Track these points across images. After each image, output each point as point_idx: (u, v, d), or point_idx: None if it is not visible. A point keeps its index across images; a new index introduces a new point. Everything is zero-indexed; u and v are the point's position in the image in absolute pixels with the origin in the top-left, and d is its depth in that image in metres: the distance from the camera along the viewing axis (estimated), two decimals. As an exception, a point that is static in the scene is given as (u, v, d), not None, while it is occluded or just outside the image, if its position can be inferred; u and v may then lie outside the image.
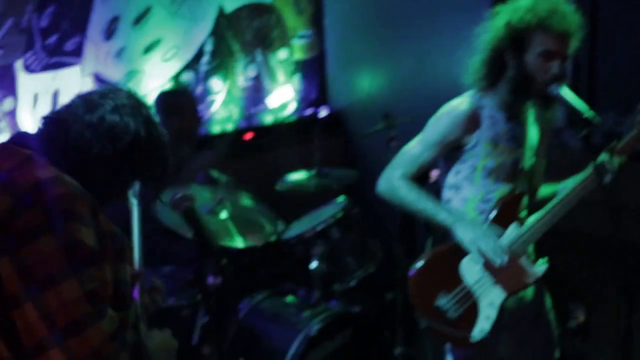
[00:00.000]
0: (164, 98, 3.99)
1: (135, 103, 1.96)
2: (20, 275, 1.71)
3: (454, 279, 2.78)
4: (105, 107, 1.88)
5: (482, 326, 2.74)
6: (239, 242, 3.68)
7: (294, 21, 5.06)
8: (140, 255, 2.20)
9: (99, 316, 1.74)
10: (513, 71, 2.67)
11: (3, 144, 2.00)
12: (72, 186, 1.81)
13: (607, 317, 3.67)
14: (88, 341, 1.71)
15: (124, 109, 1.90)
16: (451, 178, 2.89)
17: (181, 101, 4.06)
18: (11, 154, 1.88)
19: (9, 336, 1.73)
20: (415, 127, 2.92)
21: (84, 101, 1.94)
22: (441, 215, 2.72)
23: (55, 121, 1.94)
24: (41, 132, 1.95)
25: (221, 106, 4.75)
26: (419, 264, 2.82)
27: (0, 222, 1.72)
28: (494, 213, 2.76)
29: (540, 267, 2.81)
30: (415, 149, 2.83)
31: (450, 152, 2.85)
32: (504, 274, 2.74)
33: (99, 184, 1.93)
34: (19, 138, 1.98)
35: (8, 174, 1.80)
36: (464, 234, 2.70)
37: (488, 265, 2.70)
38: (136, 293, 2.05)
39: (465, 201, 2.84)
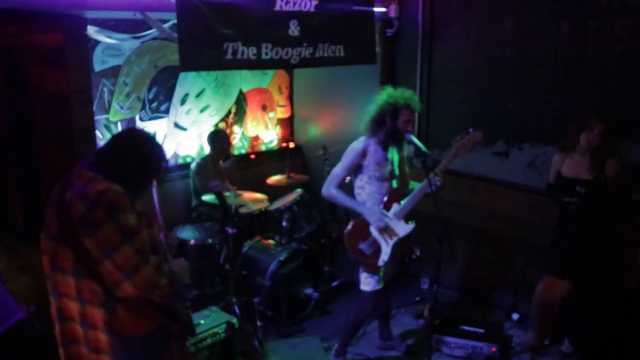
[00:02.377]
0: (213, 134, 6.02)
1: (146, 138, 2.65)
2: (98, 246, 2.36)
3: (367, 234, 4.01)
4: (133, 141, 2.60)
5: (383, 258, 4.02)
6: (244, 210, 5.40)
7: (278, 97, 7.20)
8: (160, 215, 2.80)
9: (145, 261, 2.38)
10: (389, 127, 3.95)
11: (77, 169, 2.54)
12: (118, 191, 2.41)
13: (430, 253, 4.84)
14: (143, 275, 2.37)
15: (140, 141, 2.60)
16: (358, 183, 4.14)
17: (221, 135, 6.06)
18: (82, 175, 2.48)
19: (98, 279, 2.41)
20: (339, 153, 4.26)
21: (119, 140, 2.63)
22: (357, 208, 4.04)
23: (104, 152, 2.60)
24: (97, 159, 2.56)
25: (239, 140, 6.89)
26: (349, 227, 4.10)
27: (80, 219, 2.35)
28: (385, 199, 4.03)
29: (410, 226, 4.07)
30: (337, 170, 4.09)
31: (355, 170, 4.10)
32: (391, 231, 4.00)
33: (135, 185, 2.57)
34: (85, 164, 2.54)
35: (80, 189, 2.40)
36: (367, 216, 3.99)
37: (381, 229, 3.97)
38: (162, 237, 2.68)
39: (368, 195, 4.09)
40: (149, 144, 2.63)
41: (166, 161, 2.70)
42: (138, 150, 2.57)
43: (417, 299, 5.58)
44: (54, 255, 2.48)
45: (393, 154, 4.13)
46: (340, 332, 4.56)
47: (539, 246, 5.01)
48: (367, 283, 4.18)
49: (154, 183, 2.84)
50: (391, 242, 4.04)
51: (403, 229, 4.07)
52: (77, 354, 2.57)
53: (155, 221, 2.65)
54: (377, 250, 4.05)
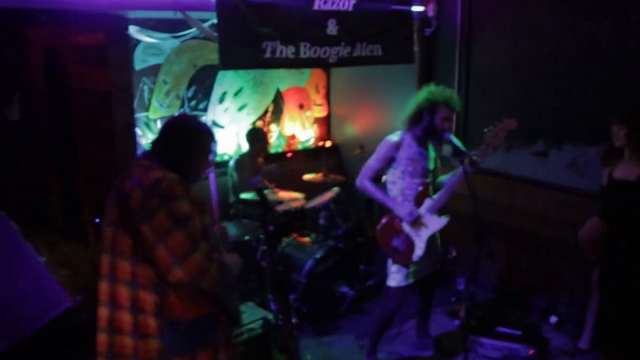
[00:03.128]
0: (252, 132, 6.06)
1: (192, 120, 2.76)
2: (152, 232, 2.45)
3: (400, 230, 4.02)
4: (178, 124, 2.69)
5: (417, 253, 4.02)
6: (282, 207, 5.53)
7: (315, 96, 7.25)
8: (217, 209, 3.24)
9: (196, 248, 2.46)
10: (426, 123, 3.96)
11: (135, 160, 2.69)
12: (173, 179, 2.51)
13: (467, 253, 5.50)
14: (194, 261, 2.45)
15: (186, 123, 2.69)
16: (390, 177, 4.13)
17: (260, 133, 6.09)
18: (140, 165, 2.60)
19: (153, 265, 2.50)
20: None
21: (170, 128, 2.70)
22: (387, 202, 4.04)
23: (156, 140, 2.71)
24: (152, 148, 2.68)
25: (276, 138, 6.95)
26: (382, 223, 4.08)
27: (138, 207, 2.46)
28: (416, 194, 4.02)
29: (443, 220, 4.04)
30: (371, 162, 4.10)
31: (390, 163, 4.08)
32: (424, 225, 4.01)
33: (187, 169, 2.65)
34: (143, 155, 2.68)
35: (138, 178, 2.51)
36: (397, 211, 4.01)
37: (414, 224, 3.99)
38: (216, 229, 2.76)
39: (399, 190, 4.08)
40: (194, 125, 2.71)
41: (214, 143, 2.76)
42: (184, 131, 2.66)
43: (453, 299, 5.55)
44: (113, 241, 2.59)
45: (429, 151, 4.13)
46: (370, 331, 4.56)
47: (578, 248, 4.90)
48: (394, 278, 4.19)
49: (212, 174, 2.92)
50: (425, 237, 4.04)
51: (436, 223, 4.07)
52: (120, 344, 2.63)
53: (210, 211, 2.72)
54: (411, 246, 4.05)
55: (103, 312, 2.66)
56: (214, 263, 2.52)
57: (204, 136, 2.71)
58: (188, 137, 2.65)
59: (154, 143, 2.70)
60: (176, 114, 5.94)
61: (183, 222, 2.45)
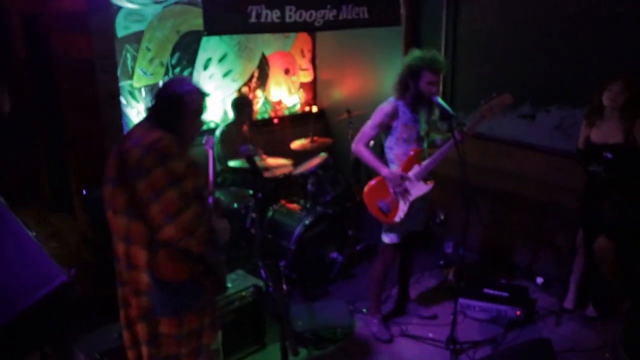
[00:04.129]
0: (237, 100, 5.97)
1: (180, 80, 2.88)
2: (148, 188, 2.53)
3: (386, 192, 4.13)
4: (168, 84, 2.77)
5: (400, 215, 4.12)
6: (269, 174, 5.52)
7: (300, 60, 7.20)
8: (213, 180, 2.86)
9: (187, 207, 2.56)
10: (412, 89, 3.94)
11: (139, 122, 2.87)
12: (170, 139, 2.62)
13: (456, 218, 5.64)
14: (184, 219, 2.56)
15: (173, 82, 2.78)
16: (387, 143, 4.17)
17: (245, 102, 6.00)
18: (141, 126, 2.78)
19: (145, 221, 2.61)
20: (363, 117, 4.31)
21: (161, 91, 2.77)
22: (379, 169, 4.09)
23: (153, 106, 2.79)
24: (152, 112, 2.79)
25: (262, 104, 6.91)
26: (369, 185, 4.18)
27: (136, 164, 2.56)
28: (405, 159, 4.06)
29: (427, 186, 4.11)
30: (368, 128, 4.12)
31: (385, 130, 4.12)
32: (409, 191, 4.08)
33: (180, 128, 2.72)
34: (145, 118, 2.84)
35: (138, 138, 2.66)
36: (387, 179, 4.08)
37: (400, 188, 4.06)
38: (211, 200, 2.82)
39: (395, 155, 4.13)
40: (181, 85, 2.77)
41: (203, 102, 2.81)
42: (172, 93, 2.73)
43: (441, 262, 5.60)
44: (111, 198, 2.69)
45: (421, 116, 4.13)
46: (369, 290, 4.62)
47: (565, 209, 5.00)
48: (387, 235, 4.32)
49: (208, 143, 3.05)
50: (409, 201, 4.12)
51: (421, 188, 4.13)
52: (125, 296, 2.82)
53: (205, 175, 2.83)
54: (395, 207, 4.15)
55: (116, 266, 2.86)
56: (202, 224, 2.61)
57: (192, 95, 2.75)
58: (176, 98, 2.71)
59: (150, 107, 2.80)
60: (160, 82, 5.87)
61: (177, 181, 2.55)
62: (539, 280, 5.25)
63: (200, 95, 2.80)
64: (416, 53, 3.99)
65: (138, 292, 2.74)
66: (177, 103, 2.71)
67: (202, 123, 2.89)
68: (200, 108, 2.80)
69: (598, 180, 4.20)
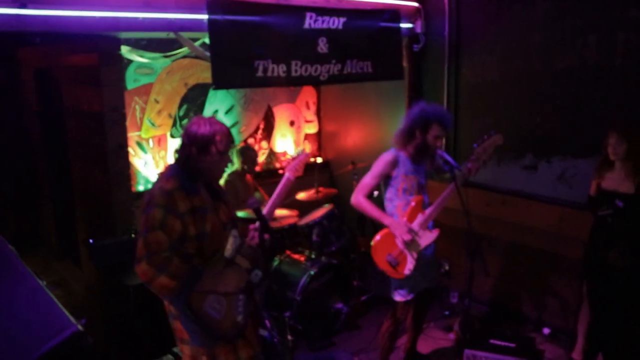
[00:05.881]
0: (242, 150, 5.91)
1: (198, 118, 2.93)
2: (143, 223, 2.75)
3: (393, 245, 4.05)
4: (192, 133, 2.87)
5: (409, 267, 4.04)
6: (274, 224, 5.46)
7: (305, 112, 7.33)
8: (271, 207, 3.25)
9: (148, 256, 2.69)
10: (419, 140, 3.97)
11: (170, 165, 3.00)
12: (163, 189, 2.77)
13: (460, 268, 5.63)
14: (141, 267, 2.71)
15: (192, 121, 2.92)
16: (387, 195, 4.18)
17: (248, 152, 5.94)
18: (162, 175, 2.93)
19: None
20: (367, 168, 4.24)
21: (184, 132, 2.91)
22: (383, 219, 4.05)
23: (179, 147, 2.95)
24: (175, 161, 2.96)
25: (267, 155, 7.01)
26: (376, 239, 4.08)
27: (147, 203, 2.79)
28: (408, 210, 4.05)
29: (434, 233, 4.08)
30: (368, 179, 4.11)
31: (385, 180, 4.12)
32: (417, 241, 4.03)
33: (193, 165, 2.86)
34: (170, 166, 2.99)
35: (155, 185, 2.89)
36: (392, 228, 4.02)
37: (407, 239, 3.99)
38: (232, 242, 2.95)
39: (396, 207, 4.13)
40: (198, 121, 2.88)
41: (227, 141, 2.88)
42: (193, 134, 2.83)
43: (447, 312, 5.58)
44: None
45: (422, 167, 4.17)
46: (378, 345, 4.56)
47: (570, 259, 4.99)
48: (398, 292, 4.22)
49: (287, 174, 3.39)
50: (417, 252, 4.06)
51: (428, 237, 4.10)
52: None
53: (209, 219, 2.86)
54: (404, 260, 4.07)
55: None
56: (163, 274, 2.68)
57: (214, 137, 2.82)
58: (196, 139, 2.81)
59: (177, 150, 2.94)
60: (167, 133, 5.99)
61: (149, 229, 2.69)
62: (546, 330, 5.23)
63: (222, 135, 2.86)
64: (425, 106, 4.04)
65: (173, 316, 2.94)
66: (197, 146, 2.82)
67: (226, 162, 2.96)
68: (223, 148, 2.87)
69: (606, 227, 4.16)
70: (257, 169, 6.10)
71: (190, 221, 2.77)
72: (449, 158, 3.95)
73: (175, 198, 2.74)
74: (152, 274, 2.66)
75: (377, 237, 4.13)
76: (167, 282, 2.68)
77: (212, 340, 2.88)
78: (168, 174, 2.86)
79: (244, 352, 2.99)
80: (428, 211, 4.09)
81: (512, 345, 4.60)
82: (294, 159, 3.89)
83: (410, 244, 4.06)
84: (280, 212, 5.65)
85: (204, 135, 2.82)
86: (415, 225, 4.07)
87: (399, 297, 4.22)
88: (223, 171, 3.05)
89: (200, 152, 2.83)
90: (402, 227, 4.01)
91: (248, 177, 6.05)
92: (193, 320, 2.83)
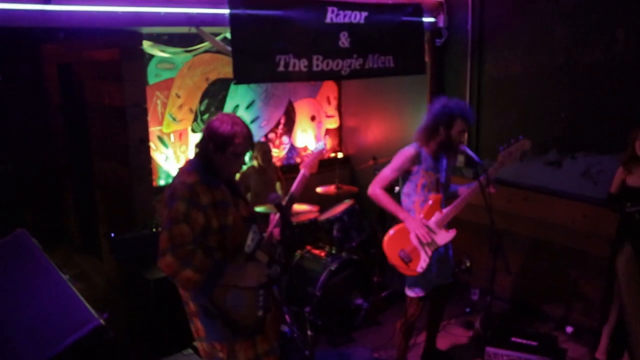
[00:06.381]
0: (260, 145, 5.93)
1: (220, 115, 2.92)
2: (161, 221, 2.86)
3: (407, 241, 4.01)
4: (211, 132, 2.84)
5: (422, 265, 4.00)
6: (296, 220, 5.52)
7: (326, 107, 7.35)
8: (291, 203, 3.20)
9: (173, 249, 2.68)
10: (442, 136, 3.90)
11: (190, 160, 2.99)
12: (186, 183, 2.78)
13: (482, 264, 5.54)
14: (166, 260, 2.69)
15: (212, 118, 2.90)
16: (405, 190, 4.13)
17: (260, 146, 5.92)
18: (184, 169, 2.93)
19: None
20: (387, 163, 4.13)
21: (204, 129, 2.91)
22: (398, 213, 4.00)
23: (199, 147, 2.93)
24: (196, 155, 2.96)
25: (287, 151, 7.07)
26: (389, 234, 4.07)
27: (170, 196, 2.79)
28: (426, 207, 4.01)
29: (450, 234, 4.03)
30: (386, 171, 4.04)
31: (404, 175, 4.07)
32: (432, 239, 3.98)
33: (211, 161, 2.86)
34: (190, 160, 2.99)
35: (176, 179, 2.88)
36: (407, 223, 3.98)
37: (422, 236, 3.95)
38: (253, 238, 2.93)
39: (413, 202, 4.08)
40: (222, 117, 2.86)
41: (245, 142, 2.85)
42: (212, 133, 2.82)
43: (468, 310, 5.53)
44: None
45: (442, 164, 4.11)
46: (394, 341, 4.54)
47: (594, 257, 4.93)
48: (412, 289, 4.20)
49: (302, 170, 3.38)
50: (431, 250, 4.01)
51: (444, 237, 4.04)
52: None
53: (231, 212, 2.86)
54: (417, 257, 4.02)
55: None
56: (188, 267, 2.67)
57: (233, 138, 2.81)
58: (215, 136, 2.81)
59: (198, 144, 2.93)
60: (189, 128, 6.00)
61: (172, 222, 2.69)
62: (569, 329, 5.16)
63: (240, 137, 2.83)
64: (448, 101, 3.98)
65: (191, 314, 2.93)
66: (214, 145, 2.81)
67: (241, 163, 2.94)
68: (239, 150, 2.85)
69: (633, 223, 4.08)
70: (278, 163, 6.03)
71: (213, 214, 2.77)
72: (472, 154, 3.91)
73: (198, 191, 2.74)
74: (177, 266, 2.66)
75: (391, 231, 4.10)
76: (192, 275, 2.67)
77: (232, 335, 2.87)
78: (189, 167, 2.87)
79: (261, 347, 3.00)
80: (446, 210, 4.04)
81: (534, 343, 4.56)
82: (308, 155, 3.86)
83: (425, 241, 4.00)
84: (300, 207, 5.63)
85: (223, 134, 2.81)
86: (431, 223, 4.03)
87: (411, 293, 4.20)
88: (235, 171, 3.06)
89: (216, 149, 2.83)
90: (418, 222, 3.98)
91: (269, 173, 6.01)
92: (215, 315, 2.82)
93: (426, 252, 4.01)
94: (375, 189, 4.06)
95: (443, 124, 3.94)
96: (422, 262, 4.01)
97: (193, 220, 2.70)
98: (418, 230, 3.97)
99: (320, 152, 3.91)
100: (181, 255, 2.66)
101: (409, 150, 4.05)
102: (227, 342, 2.90)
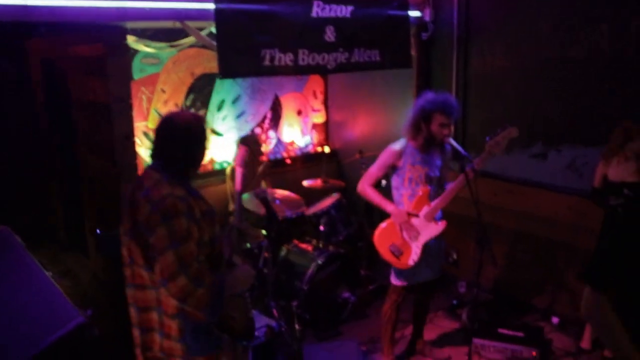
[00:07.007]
0: (242, 138, 5.94)
1: (181, 116, 2.74)
2: (153, 246, 2.51)
3: (397, 235, 4.09)
4: (173, 130, 2.66)
5: (413, 258, 4.06)
6: (283, 214, 5.49)
7: (313, 102, 7.33)
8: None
9: (184, 270, 2.47)
10: (424, 132, 3.96)
11: (146, 170, 2.72)
12: (177, 196, 2.54)
13: (468, 257, 5.68)
14: (178, 284, 2.47)
15: (175, 120, 2.68)
16: (394, 183, 4.18)
17: (249, 139, 5.95)
18: (150, 177, 2.66)
19: (150, 262, 2.58)
20: (375, 157, 4.25)
21: (161, 132, 2.71)
22: (386, 207, 4.10)
23: (158, 149, 2.71)
24: (157, 159, 2.71)
25: (275, 145, 7.00)
26: (380, 228, 4.14)
27: (145, 220, 2.54)
28: (414, 200, 4.06)
29: (439, 226, 4.07)
30: (374, 168, 4.13)
31: (392, 170, 4.13)
32: (421, 232, 4.05)
33: (192, 166, 2.73)
34: (153, 166, 2.70)
35: (147, 191, 2.58)
36: (393, 216, 4.08)
37: (411, 229, 4.04)
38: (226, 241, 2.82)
39: (401, 196, 4.13)
40: (182, 121, 2.68)
41: (206, 130, 2.74)
42: (174, 131, 2.65)
43: (455, 302, 5.56)
44: (129, 249, 2.66)
45: (433, 158, 4.13)
46: (381, 333, 4.57)
47: (579, 249, 4.96)
48: (396, 278, 4.26)
49: (239, 169, 2.92)
50: (421, 243, 4.06)
51: (433, 229, 4.08)
52: (151, 340, 2.73)
53: (219, 220, 2.72)
54: (408, 250, 4.08)
55: (135, 316, 2.79)
56: (200, 288, 2.50)
57: (195, 129, 2.69)
58: (180, 136, 2.65)
59: (154, 151, 2.70)
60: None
61: (178, 242, 2.48)
62: (555, 320, 5.21)
63: (201, 126, 2.73)
64: (428, 96, 4.01)
65: (169, 337, 2.69)
66: (183, 142, 2.65)
67: (207, 150, 2.82)
68: (205, 138, 2.73)
69: (616, 216, 4.09)
70: (264, 158, 6.04)
71: (204, 225, 2.61)
72: (458, 146, 3.93)
73: (191, 203, 2.57)
74: (191, 288, 2.46)
75: (382, 225, 4.16)
76: (204, 294, 2.50)
77: (219, 345, 2.79)
78: (163, 178, 2.64)
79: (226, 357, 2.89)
80: (434, 203, 4.06)
81: (520, 334, 4.62)
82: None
83: (415, 234, 4.05)
84: (284, 193, 5.69)
85: (186, 130, 2.70)
86: (420, 215, 4.05)
87: (396, 281, 4.26)
88: (202, 162, 2.87)
89: (185, 149, 2.70)
90: (402, 214, 4.03)
91: (258, 168, 5.98)
92: (210, 330, 2.72)
93: (417, 246, 4.05)
94: (363, 186, 4.16)
95: (422, 119, 3.99)
96: (414, 255, 4.07)
97: (193, 235, 2.54)
98: (399, 220, 4.03)
99: None
100: (193, 274, 2.47)
101: (392, 147, 4.10)
102: (214, 354, 2.78)
